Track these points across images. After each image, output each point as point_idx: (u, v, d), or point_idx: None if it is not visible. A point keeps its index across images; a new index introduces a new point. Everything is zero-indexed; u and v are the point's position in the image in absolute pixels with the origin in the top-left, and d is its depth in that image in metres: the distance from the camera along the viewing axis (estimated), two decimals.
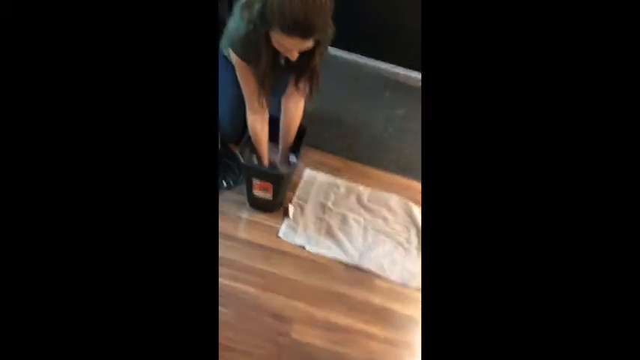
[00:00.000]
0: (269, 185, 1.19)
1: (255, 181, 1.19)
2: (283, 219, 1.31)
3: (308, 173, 1.48)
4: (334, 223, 1.34)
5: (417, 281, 1.24)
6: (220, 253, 1.06)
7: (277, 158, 1.39)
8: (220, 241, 1.16)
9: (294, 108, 1.25)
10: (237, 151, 1.26)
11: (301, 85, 1.11)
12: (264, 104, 1.15)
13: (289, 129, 1.30)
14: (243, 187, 1.28)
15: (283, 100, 1.24)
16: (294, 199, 1.38)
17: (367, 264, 1.24)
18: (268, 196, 1.23)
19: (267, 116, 1.23)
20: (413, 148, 1.58)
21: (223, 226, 1.24)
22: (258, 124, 1.20)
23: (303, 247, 1.26)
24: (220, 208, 1.24)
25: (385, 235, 1.35)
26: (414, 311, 1.16)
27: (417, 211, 1.45)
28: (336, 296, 1.15)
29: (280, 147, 1.36)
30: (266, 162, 1.30)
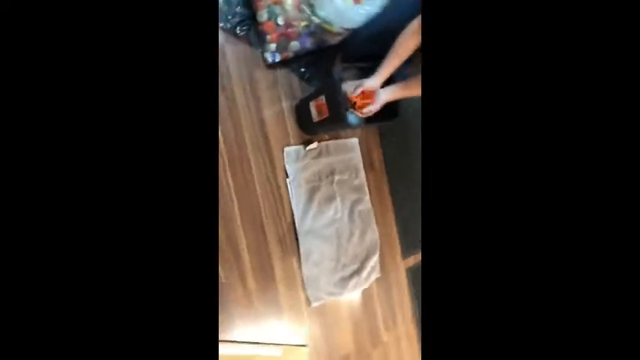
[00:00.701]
0: (325, 109, 1.10)
1: (319, 100, 1.11)
2: (301, 145, 1.26)
3: (352, 142, 1.41)
4: (321, 194, 1.29)
5: None
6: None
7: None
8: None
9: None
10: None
11: None
12: None
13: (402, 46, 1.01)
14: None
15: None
16: (322, 144, 1.31)
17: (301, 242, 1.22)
18: (316, 117, 1.16)
19: None
20: None
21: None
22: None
23: (287, 177, 1.21)
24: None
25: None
26: None
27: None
28: None
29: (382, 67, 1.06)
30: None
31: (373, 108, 1.07)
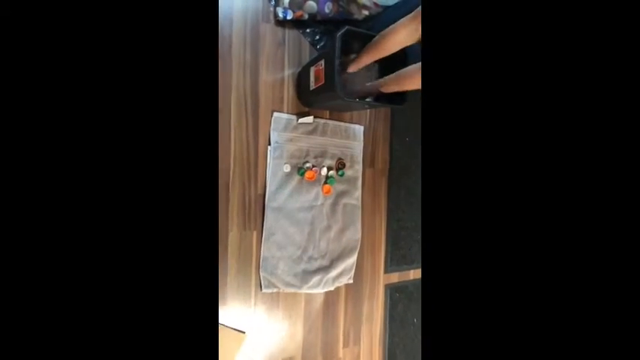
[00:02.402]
0: (322, 75, 0.98)
1: (319, 65, 1.00)
2: (294, 116, 1.14)
3: (357, 129, 1.27)
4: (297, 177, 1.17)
5: None
6: None
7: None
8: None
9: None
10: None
11: None
12: None
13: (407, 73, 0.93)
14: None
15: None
16: (320, 121, 1.19)
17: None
18: (312, 84, 1.04)
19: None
20: None
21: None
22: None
23: (269, 144, 1.10)
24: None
25: None
26: None
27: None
28: None
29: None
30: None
31: None
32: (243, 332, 1.09)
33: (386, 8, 1.23)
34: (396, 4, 1.21)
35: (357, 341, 1.34)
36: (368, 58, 0.97)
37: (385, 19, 1.19)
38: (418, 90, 0.95)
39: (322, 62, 0.98)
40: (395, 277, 1.42)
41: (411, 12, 0.87)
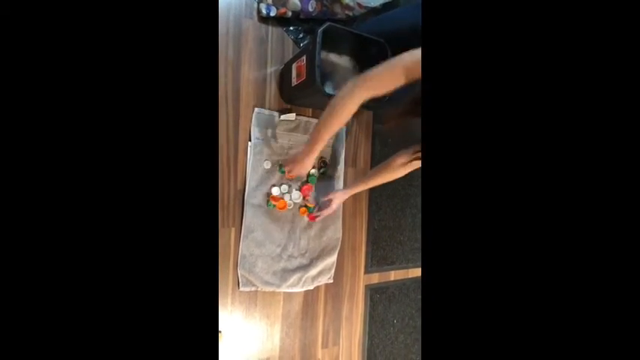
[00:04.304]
0: (304, 71, 0.98)
1: (300, 61, 1.00)
2: (276, 112, 1.14)
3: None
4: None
5: None
6: None
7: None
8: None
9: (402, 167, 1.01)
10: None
11: None
12: None
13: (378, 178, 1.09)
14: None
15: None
16: (302, 119, 1.19)
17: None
18: (294, 80, 1.04)
19: None
20: None
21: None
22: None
23: (250, 140, 1.09)
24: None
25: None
26: None
27: None
28: None
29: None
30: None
31: (326, 213, 1.15)
32: (219, 332, 1.07)
33: (369, 10, 1.25)
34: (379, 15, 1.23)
35: (337, 342, 1.32)
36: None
37: (369, 26, 1.20)
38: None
39: (304, 58, 0.98)
40: (375, 278, 1.41)
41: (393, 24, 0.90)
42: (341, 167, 1.28)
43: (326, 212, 1.15)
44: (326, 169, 1.24)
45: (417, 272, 1.54)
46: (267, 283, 1.12)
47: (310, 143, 0.88)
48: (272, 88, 1.14)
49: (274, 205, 1.12)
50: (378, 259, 1.41)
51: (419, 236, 1.50)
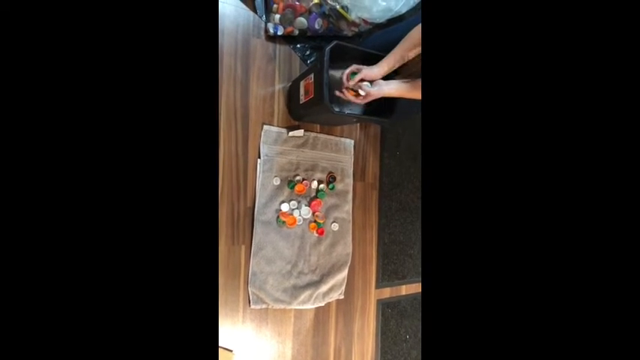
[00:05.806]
0: (312, 88, 0.99)
1: (308, 79, 1.00)
2: (284, 129, 1.15)
3: (347, 142, 1.28)
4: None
5: None
6: None
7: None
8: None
9: None
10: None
11: None
12: None
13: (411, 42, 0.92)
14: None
15: None
16: (310, 134, 1.19)
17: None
18: (302, 98, 1.05)
19: None
20: None
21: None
22: None
23: (259, 157, 1.10)
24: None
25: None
26: None
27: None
28: None
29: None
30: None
31: (371, 93, 0.93)
32: (231, 351, 1.06)
33: (375, 26, 1.26)
34: (385, 28, 1.24)
35: (349, 359, 1.30)
36: (394, 61, 0.94)
37: (375, 39, 1.21)
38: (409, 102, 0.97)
39: (312, 76, 0.99)
40: (387, 293, 1.40)
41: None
42: (350, 181, 1.28)
43: (372, 94, 0.94)
44: (334, 184, 1.23)
45: None
46: (277, 300, 1.11)
47: (382, 62, 0.93)
48: (280, 105, 1.15)
49: (284, 222, 1.11)
50: (389, 273, 1.39)
51: None
